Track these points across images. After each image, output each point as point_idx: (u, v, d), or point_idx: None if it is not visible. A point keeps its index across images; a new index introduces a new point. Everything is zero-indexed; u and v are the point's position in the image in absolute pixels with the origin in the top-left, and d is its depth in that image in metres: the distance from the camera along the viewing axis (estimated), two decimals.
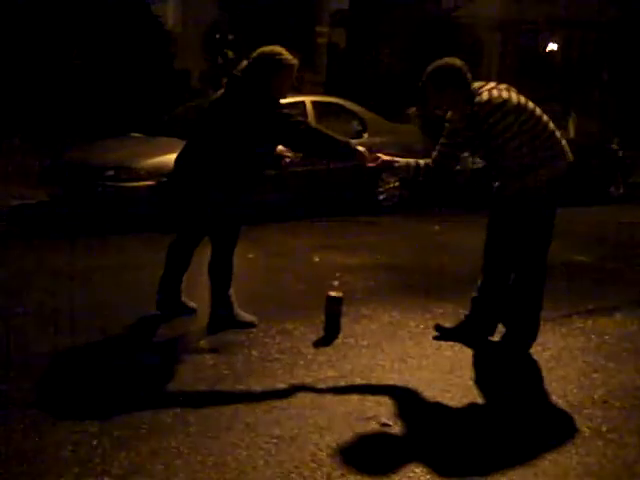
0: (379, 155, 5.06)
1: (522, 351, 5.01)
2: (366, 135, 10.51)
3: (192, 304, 5.57)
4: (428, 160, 5.08)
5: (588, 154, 12.92)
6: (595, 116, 14.70)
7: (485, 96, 4.66)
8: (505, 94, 4.69)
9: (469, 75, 4.77)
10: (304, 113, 9.94)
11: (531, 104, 4.79)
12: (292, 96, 10.69)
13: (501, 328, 5.18)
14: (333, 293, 5.25)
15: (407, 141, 10.92)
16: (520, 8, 22.25)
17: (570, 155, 4.87)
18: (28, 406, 3.92)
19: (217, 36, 15.45)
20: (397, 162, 5.08)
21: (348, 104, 10.77)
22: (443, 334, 5.30)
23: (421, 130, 11.78)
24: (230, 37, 15.56)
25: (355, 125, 10.67)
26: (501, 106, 4.61)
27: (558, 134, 4.81)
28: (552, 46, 23.56)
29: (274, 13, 17.99)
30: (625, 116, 17.83)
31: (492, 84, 4.79)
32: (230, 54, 15.30)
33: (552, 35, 23.33)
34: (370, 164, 5.01)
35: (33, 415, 3.82)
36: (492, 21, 22.20)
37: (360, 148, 5.11)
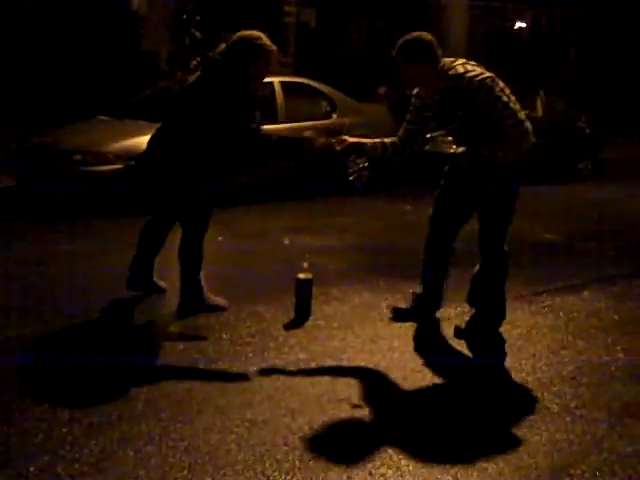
0: (345, 138, 5.03)
1: (492, 330, 5.05)
2: (335, 115, 10.48)
3: (162, 284, 5.58)
4: (394, 138, 5.06)
5: (556, 132, 12.98)
6: (563, 94, 14.76)
7: (461, 69, 4.64)
8: (479, 69, 4.71)
9: (439, 50, 4.77)
10: (272, 94, 9.89)
11: (499, 80, 4.79)
12: None
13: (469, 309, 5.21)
14: (302, 275, 5.25)
15: (376, 121, 10.89)
16: None
17: (533, 137, 4.88)
18: None
19: (184, 17, 15.27)
20: (364, 144, 5.06)
21: (317, 84, 10.72)
22: (398, 315, 5.31)
23: (390, 110, 11.75)
24: (197, 18, 15.40)
25: (324, 105, 10.63)
26: (483, 80, 4.60)
27: (522, 115, 4.81)
28: (520, 24, 23.60)
29: None
30: (593, 93, 17.94)
31: (462, 60, 4.78)
32: (198, 35, 15.14)
33: (520, 13, 23.37)
34: (337, 147, 4.98)
35: (1, 403, 3.79)
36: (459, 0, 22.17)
37: (308, 133, 5.05)
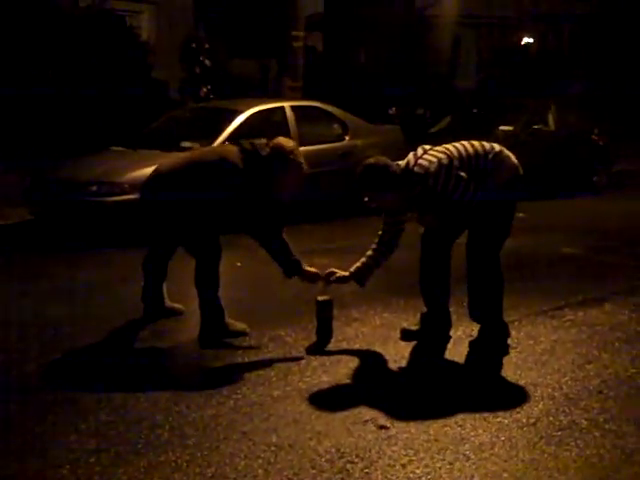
0: (332, 275, 5.15)
1: (499, 349, 5.01)
2: (347, 137, 10.50)
3: (178, 306, 5.65)
4: (376, 246, 5.23)
5: (569, 145, 12.97)
6: (574, 107, 14.76)
7: (420, 170, 4.75)
8: (434, 158, 4.78)
9: (395, 166, 4.84)
10: (284, 118, 9.93)
11: (454, 145, 4.90)
12: (272, 102, 10.71)
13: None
14: (322, 297, 5.23)
15: (388, 141, 10.92)
16: (488, 4, 22.35)
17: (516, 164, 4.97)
18: (25, 426, 3.89)
19: (193, 45, 15.40)
20: (356, 273, 5.14)
21: (328, 107, 10.75)
22: (406, 336, 5.27)
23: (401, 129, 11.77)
24: (206, 46, 15.52)
25: (336, 128, 10.66)
26: (440, 169, 4.71)
27: (492, 154, 4.88)
28: (527, 40, 23.67)
29: (249, 19, 17.99)
30: (605, 106, 17.93)
31: (411, 156, 4.87)
32: (207, 63, 15.26)
33: (525, 30, 23.43)
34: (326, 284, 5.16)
35: (30, 435, 3.79)
36: (466, 18, 22.28)
37: (310, 269, 5.21)
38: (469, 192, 4.75)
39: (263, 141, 5.27)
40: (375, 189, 4.86)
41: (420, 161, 4.81)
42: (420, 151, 4.90)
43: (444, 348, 5.11)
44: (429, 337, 5.21)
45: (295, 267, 5.17)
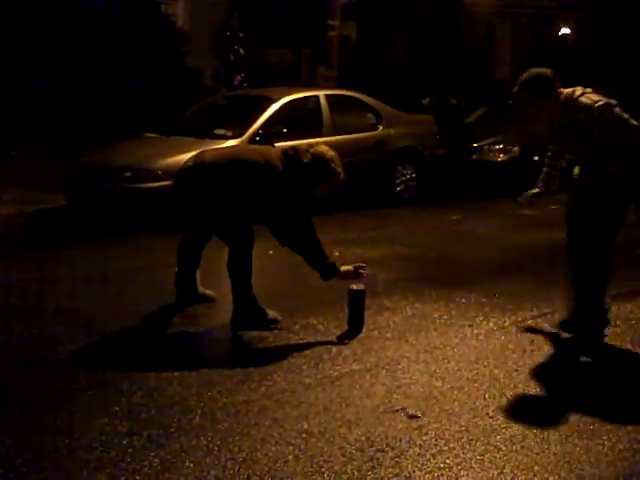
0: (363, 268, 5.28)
1: (596, 339, 5.07)
2: (381, 127, 10.47)
3: (209, 292, 5.71)
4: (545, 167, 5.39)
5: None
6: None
7: (587, 100, 4.90)
8: (597, 96, 4.96)
9: (558, 83, 5.00)
10: (318, 107, 9.92)
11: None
12: (306, 91, 10.71)
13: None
14: (355, 286, 5.24)
15: (422, 131, 10.89)
16: None
17: None
18: (58, 408, 3.94)
19: (228, 33, 15.43)
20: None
21: (362, 97, 10.72)
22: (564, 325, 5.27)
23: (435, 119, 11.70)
24: (241, 34, 15.54)
25: (369, 117, 10.63)
26: (604, 108, 4.86)
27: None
28: (564, 30, 23.37)
29: (284, 7, 17.96)
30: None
31: (580, 89, 5.01)
32: (241, 51, 15.28)
33: (564, 19, 23.14)
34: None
35: (64, 416, 3.85)
36: (502, 7, 22.05)
37: (344, 268, 5.28)
38: (621, 131, 4.87)
39: (304, 147, 5.36)
40: (538, 90, 4.96)
41: (587, 95, 4.94)
42: (579, 91, 4.99)
43: (484, 338, 5.10)
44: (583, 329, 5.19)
45: (331, 270, 5.24)
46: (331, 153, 5.29)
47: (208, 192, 5.19)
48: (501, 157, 11.56)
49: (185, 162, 5.54)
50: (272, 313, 5.34)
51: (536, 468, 3.45)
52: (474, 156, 11.65)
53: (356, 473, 3.37)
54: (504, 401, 4.14)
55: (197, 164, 5.35)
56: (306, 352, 4.78)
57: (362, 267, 5.31)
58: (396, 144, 10.44)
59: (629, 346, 5.02)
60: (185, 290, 5.63)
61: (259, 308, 5.28)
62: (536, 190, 5.35)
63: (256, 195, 5.17)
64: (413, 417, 3.91)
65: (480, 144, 11.69)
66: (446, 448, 3.61)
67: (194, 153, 5.61)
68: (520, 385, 4.36)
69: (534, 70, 5.06)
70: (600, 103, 4.89)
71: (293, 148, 5.32)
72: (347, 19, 18.72)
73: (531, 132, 5.01)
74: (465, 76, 18.47)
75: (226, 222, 5.25)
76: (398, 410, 3.98)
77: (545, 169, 5.39)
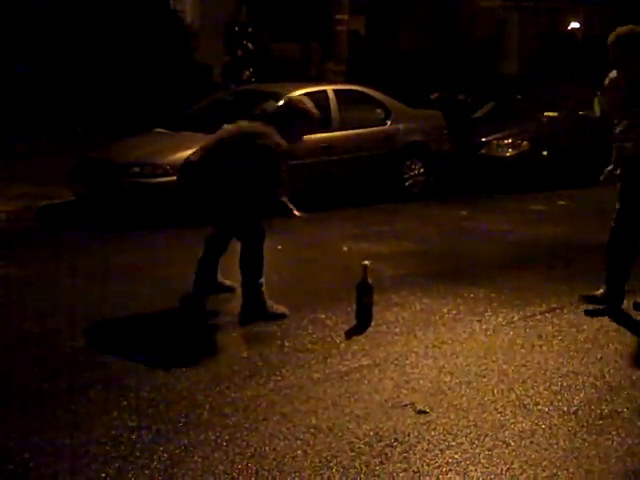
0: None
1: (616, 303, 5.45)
2: (389, 122, 10.45)
3: (229, 283, 5.73)
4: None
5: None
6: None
7: None
8: None
9: None
10: (326, 102, 9.90)
11: None
12: (314, 85, 10.69)
13: None
14: (362, 281, 5.22)
15: (431, 127, 10.86)
16: None
17: None
18: (67, 403, 3.96)
19: (236, 28, 15.41)
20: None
21: (370, 91, 10.70)
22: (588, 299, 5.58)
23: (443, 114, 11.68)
24: (249, 30, 15.53)
25: (378, 112, 10.60)
26: None
27: None
28: (574, 24, 23.28)
29: (292, 2, 17.92)
30: None
31: None
32: (250, 46, 15.27)
33: (572, 14, 23.05)
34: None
35: (72, 411, 3.86)
36: (510, 1, 21.97)
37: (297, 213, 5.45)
38: None
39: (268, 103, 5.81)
40: (630, 47, 5.22)
41: None
42: None
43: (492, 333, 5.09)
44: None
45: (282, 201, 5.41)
46: (298, 97, 5.70)
47: (205, 187, 5.25)
48: (509, 152, 11.51)
49: (186, 158, 5.58)
50: (280, 308, 5.34)
51: (545, 463, 3.44)
52: (482, 151, 11.61)
53: (364, 468, 3.37)
54: (513, 396, 4.14)
55: (186, 164, 5.47)
56: (315, 347, 4.79)
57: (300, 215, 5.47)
58: (405, 139, 10.41)
59: (638, 341, 5.00)
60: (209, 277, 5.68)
61: (268, 303, 5.29)
62: (611, 167, 5.48)
63: (247, 165, 5.22)
64: (421, 412, 3.91)
65: (488, 139, 11.66)
66: (454, 443, 3.60)
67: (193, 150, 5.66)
68: (529, 380, 4.35)
69: (627, 27, 5.29)
70: None
71: (258, 107, 5.60)
72: (356, 13, 18.69)
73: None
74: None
75: (236, 215, 5.26)
76: (406, 405, 3.98)
77: (616, 145, 5.49)
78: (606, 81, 5.51)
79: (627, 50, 5.23)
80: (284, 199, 5.39)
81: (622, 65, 5.30)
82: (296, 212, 5.43)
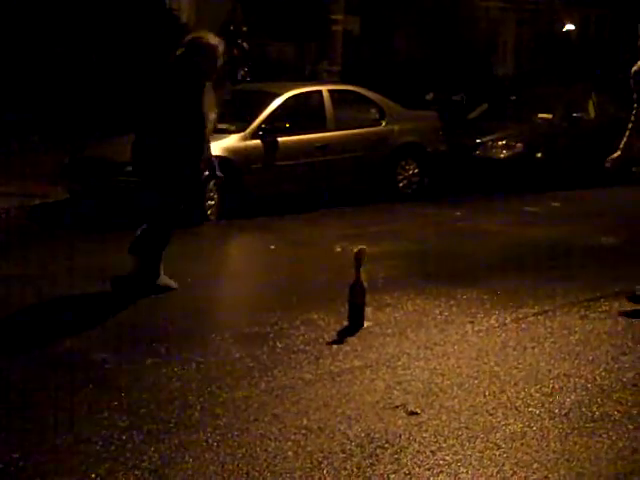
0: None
1: None
2: (384, 123, 10.45)
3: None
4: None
5: (609, 134, 12.76)
6: (615, 95, 14.51)
7: None
8: None
9: None
10: (321, 102, 9.91)
11: None
12: (309, 85, 10.69)
13: None
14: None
15: (425, 127, 10.87)
16: None
17: None
18: (58, 402, 3.95)
19: (231, 28, 15.41)
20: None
21: (365, 92, 10.70)
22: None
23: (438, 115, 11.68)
24: (244, 29, 15.52)
25: (372, 113, 10.61)
26: None
27: None
28: (569, 26, 23.32)
29: (288, 2, 17.91)
30: None
31: None
32: (245, 45, 15.26)
33: (568, 15, 23.09)
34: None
35: (63, 411, 3.85)
36: (505, 3, 22.02)
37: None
38: None
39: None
40: None
41: None
42: None
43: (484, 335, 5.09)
44: None
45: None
46: (201, 33, 5.90)
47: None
48: (504, 153, 11.53)
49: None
50: (171, 282, 5.75)
51: (535, 466, 3.44)
52: (477, 152, 11.63)
53: (355, 469, 3.37)
54: (504, 398, 4.14)
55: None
56: (306, 348, 4.78)
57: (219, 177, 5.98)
58: (399, 140, 10.42)
59: (630, 343, 5.00)
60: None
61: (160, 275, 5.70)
62: (617, 154, 5.51)
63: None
64: (413, 414, 3.91)
65: (483, 140, 11.67)
66: (446, 445, 3.60)
67: None
68: (520, 382, 4.35)
69: None
70: None
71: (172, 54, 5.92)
72: (351, 14, 18.70)
73: None
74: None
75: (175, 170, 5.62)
76: (398, 406, 3.98)
77: (629, 132, 5.53)
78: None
79: None
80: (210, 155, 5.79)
81: None
82: (218, 172, 5.86)
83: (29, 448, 3.47)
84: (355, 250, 5.17)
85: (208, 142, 5.80)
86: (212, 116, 5.78)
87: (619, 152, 5.60)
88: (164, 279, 5.77)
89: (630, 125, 5.57)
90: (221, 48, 5.81)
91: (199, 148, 5.64)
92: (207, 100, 5.69)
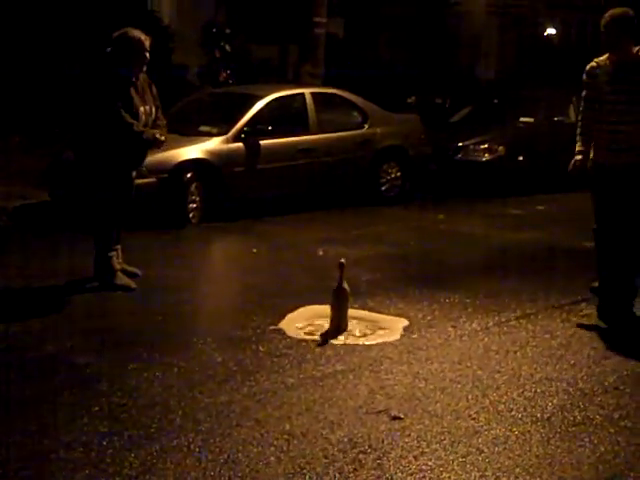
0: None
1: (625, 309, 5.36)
2: (366, 126, 10.44)
3: (132, 269, 6.11)
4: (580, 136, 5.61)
5: None
6: None
7: None
8: None
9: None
10: (303, 105, 9.89)
11: None
12: (292, 88, 10.67)
13: None
14: (337, 285, 5.20)
15: (408, 130, 10.87)
16: None
17: None
18: (39, 408, 3.91)
19: (214, 30, 15.37)
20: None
21: (348, 95, 10.69)
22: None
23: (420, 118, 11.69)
24: (227, 31, 15.48)
25: (355, 116, 10.60)
26: None
27: None
28: (550, 30, 23.47)
29: (270, 4, 17.89)
30: None
31: None
32: (227, 48, 15.22)
33: (550, 19, 23.23)
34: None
35: (44, 416, 3.81)
36: (489, 7, 22.11)
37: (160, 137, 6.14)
38: None
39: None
40: (624, 28, 5.25)
41: None
42: None
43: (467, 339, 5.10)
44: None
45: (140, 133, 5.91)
46: (122, 30, 6.04)
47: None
48: (486, 157, 11.57)
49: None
50: (129, 282, 5.87)
51: (518, 470, 3.44)
52: (459, 155, 11.66)
53: (338, 475, 3.36)
54: (487, 402, 4.14)
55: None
56: (289, 352, 4.76)
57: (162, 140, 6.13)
58: (382, 143, 10.42)
59: (612, 347, 5.02)
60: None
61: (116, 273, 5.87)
62: (579, 157, 5.58)
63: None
64: (396, 418, 3.90)
65: (465, 143, 11.70)
66: (428, 450, 3.60)
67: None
68: (503, 386, 4.36)
69: (620, 9, 5.31)
70: None
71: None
72: (335, 16, 18.69)
73: None
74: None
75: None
76: (381, 411, 3.97)
77: (580, 137, 5.61)
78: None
79: (622, 30, 5.24)
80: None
81: (615, 46, 5.30)
82: (158, 136, 6.04)
83: (9, 454, 3.43)
84: (341, 260, 5.17)
85: (150, 135, 5.97)
86: (142, 109, 5.93)
87: (580, 155, 5.57)
88: (121, 278, 5.87)
89: (581, 129, 5.65)
90: (147, 43, 6.01)
91: (124, 143, 5.81)
92: (140, 94, 5.94)
